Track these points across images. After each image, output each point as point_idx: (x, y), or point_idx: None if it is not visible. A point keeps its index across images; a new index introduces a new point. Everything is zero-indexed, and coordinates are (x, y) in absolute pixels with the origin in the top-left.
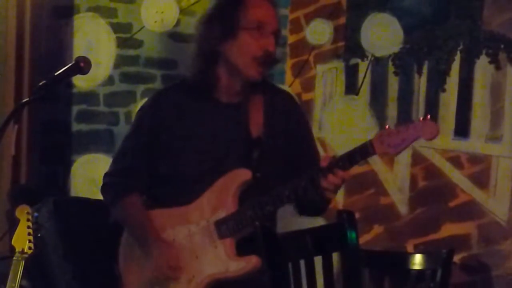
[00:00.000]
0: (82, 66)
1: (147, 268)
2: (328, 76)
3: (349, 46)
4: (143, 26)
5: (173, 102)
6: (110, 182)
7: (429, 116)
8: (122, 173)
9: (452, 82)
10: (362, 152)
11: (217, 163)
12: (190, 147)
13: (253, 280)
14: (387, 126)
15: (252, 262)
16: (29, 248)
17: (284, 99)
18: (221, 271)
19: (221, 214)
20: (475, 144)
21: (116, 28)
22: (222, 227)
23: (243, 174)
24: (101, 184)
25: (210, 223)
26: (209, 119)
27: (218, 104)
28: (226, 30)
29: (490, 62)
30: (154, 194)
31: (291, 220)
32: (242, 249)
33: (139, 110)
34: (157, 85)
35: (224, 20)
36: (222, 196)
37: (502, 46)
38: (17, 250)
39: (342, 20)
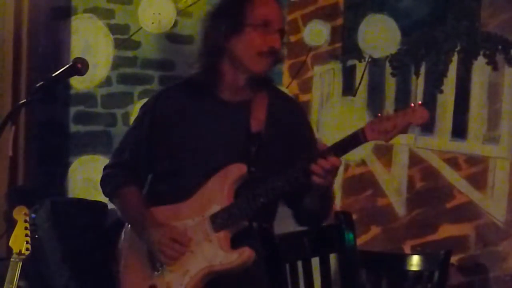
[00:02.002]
0: (80, 67)
1: (146, 260)
2: (325, 77)
3: (346, 47)
4: (141, 28)
5: (175, 100)
6: (109, 174)
7: (419, 102)
8: (121, 167)
9: (450, 83)
10: (353, 140)
11: (216, 160)
12: (190, 144)
13: (249, 275)
14: (379, 114)
15: (245, 254)
16: (27, 249)
17: (288, 102)
18: (214, 263)
19: (216, 208)
20: (472, 145)
21: (114, 29)
22: (217, 221)
23: (238, 169)
24: (100, 176)
25: (205, 217)
26: (210, 117)
27: (220, 102)
28: (233, 26)
29: (488, 63)
30: (154, 191)
31: (288, 222)
32: (240, 243)
33: (141, 107)
34: (155, 86)
35: (230, 16)
36: (217, 191)
37: (499, 47)
38: (14, 251)
39: (340, 21)
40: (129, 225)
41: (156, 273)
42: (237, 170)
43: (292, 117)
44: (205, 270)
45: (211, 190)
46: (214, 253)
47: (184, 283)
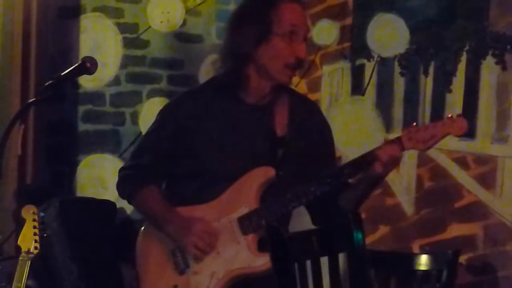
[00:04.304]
0: (89, 66)
1: (168, 261)
2: (334, 77)
3: (355, 46)
4: (150, 26)
5: (198, 103)
6: (127, 174)
7: (458, 114)
8: (139, 169)
9: (458, 82)
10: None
11: (241, 162)
12: (214, 146)
13: (271, 279)
14: (414, 124)
15: None
16: (35, 248)
17: (308, 105)
18: (243, 266)
19: (244, 210)
20: (481, 145)
21: (122, 28)
22: (245, 223)
23: (267, 172)
24: (117, 179)
25: (233, 219)
26: (235, 120)
27: (244, 105)
28: (260, 34)
29: (496, 63)
30: (176, 192)
31: (297, 221)
32: (263, 247)
33: (162, 110)
34: (163, 85)
35: (258, 24)
36: (244, 193)
37: (508, 47)
38: (23, 250)
39: (349, 20)
40: (152, 223)
41: (179, 274)
42: (265, 173)
43: (313, 120)
44: (234, 273)
45: (238, 192)
46: (243, 255)
47: (211, 285)
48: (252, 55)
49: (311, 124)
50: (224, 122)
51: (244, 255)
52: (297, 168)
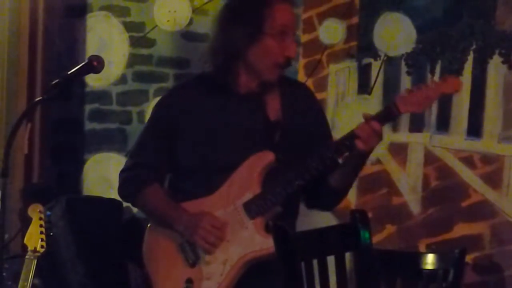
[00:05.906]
0: (95, 65)
1: (177, 256)
2: (340, 76)
3: (362, 45)
4: (156, 25)
5: (190, 96)
6: (128, 176)
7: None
8: (141, 167)
9: (465, 82)
10: (387, 114)
11: (240, 150)
12: (211, 138)
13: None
14: (408, 88)
15: None
16: (42, 246)
17: (299, 87)
18: (255, 249)
19: (248, 196)
20: (487, 144)
21: (129, 27)
22: (251, 208)
23: (267, 156)
24: (118, 183)
25: (238, 206)
26: (228, 110)
27: (235, 95)
28: (251, 34)
29: (503, 62)
30: (178, 187)
31: (304, 220)
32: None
33: (156, 105)
34: (170, 84)
35: (250, 23)
36: (247, 180)
37: None
38: (29, 248)
39: (355, 19)
40: (159, 224)
41: (190, 267)
42: (265, 158)
43: (305, 101)
44: (246, 257)
45: (240, 179)
46: (253, 239)
47: (225, 272)
48: (242, 52)
49: (304, 105)
50: (217, 113)
51: (254, 239)
52: (295, 150)
